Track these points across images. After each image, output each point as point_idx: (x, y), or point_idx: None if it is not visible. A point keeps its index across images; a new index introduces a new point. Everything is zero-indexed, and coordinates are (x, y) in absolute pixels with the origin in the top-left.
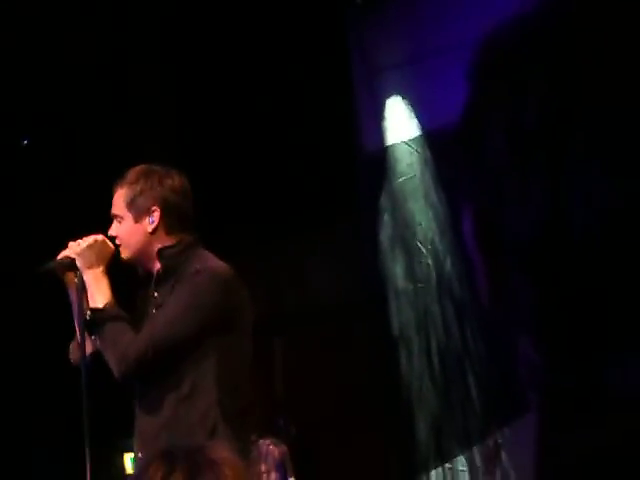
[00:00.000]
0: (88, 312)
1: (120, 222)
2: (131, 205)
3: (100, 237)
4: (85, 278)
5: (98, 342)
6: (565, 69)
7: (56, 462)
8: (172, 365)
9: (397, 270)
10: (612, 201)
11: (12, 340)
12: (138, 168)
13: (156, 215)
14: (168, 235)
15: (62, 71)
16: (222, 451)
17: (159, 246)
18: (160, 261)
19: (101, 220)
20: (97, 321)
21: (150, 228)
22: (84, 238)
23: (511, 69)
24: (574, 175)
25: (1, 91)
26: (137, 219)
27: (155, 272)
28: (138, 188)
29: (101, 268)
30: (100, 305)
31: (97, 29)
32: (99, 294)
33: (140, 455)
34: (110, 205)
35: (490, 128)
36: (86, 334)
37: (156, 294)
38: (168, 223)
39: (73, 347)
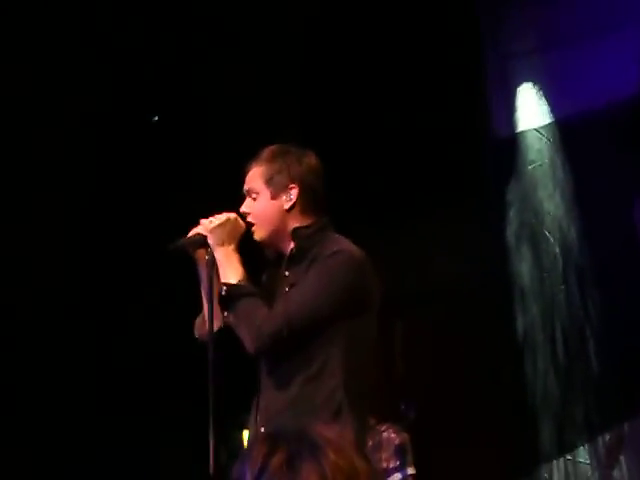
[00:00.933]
0: (224, 287)
1: (255, 198)
2: (269, 182)
3: (232, 215)
4: (216, 255)
5: (231, 317)
6: None
7: (180, 436)
8: (303, 344)
9: (524, 257)
10: None
11: (140, 315)
12: (274, 146)
13: (294, 193)
14: (303, 215)
15: (194, 48)
16: (328, 432)
17: (294, 225)
18: (295, 240)
19: (232, 199)
20: (232, 296)
21: (287, 205)
22: (216, 216)
23: None
24: None
25: (134, 67)
26: (274, 196)
27: (288, 251)
28: (277, 165)
29: (232, 246)
30: (233, 281)
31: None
32: (232, 271)
33: (263, 431)
34: (241, 183)
35: None
36: (213, 310)
37: (287, 273)
38: (304, 202)
39: (199, 323)
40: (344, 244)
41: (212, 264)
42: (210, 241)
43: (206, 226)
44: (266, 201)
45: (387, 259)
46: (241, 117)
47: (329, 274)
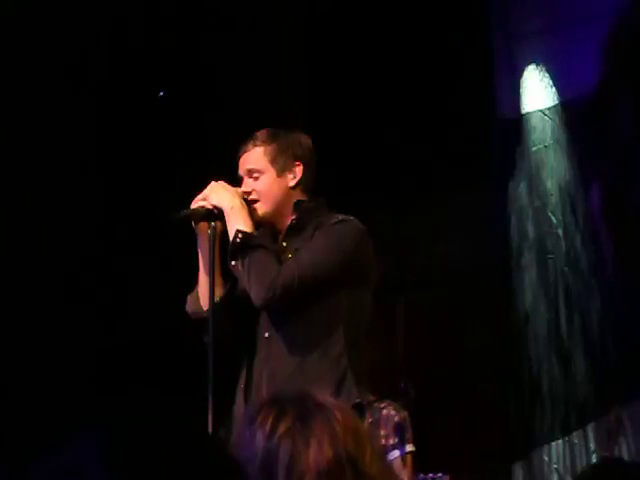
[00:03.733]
0: (238, 235)
1: (258, 178)
2: (274, 160)
3: (218, 182)
4: (226, 209)
5: (240, 265)
6: None
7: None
8: (308, 304)
9: (528, 240)
10: None
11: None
12: (269, 129)
13: (299, 170)
14: (304, 192)
15: (199, 23)
16: (329, 397)
17: (296, 200)
18: (297, 211)
19: (232, 175)
20: (247, 244)
21: (292, 183)
22: (207, 187)
23: None
24: None
25: (140, 42)
26: (280, 174)
27: (287, 224)
28: (279, 146)
29: (238, 201)
30: (248, 230)
31: None
32: (245, 221)
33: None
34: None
35: (620, 104)
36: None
37: (285, 244)
38: (305, 181)
39: (192, 298)
40: (347, 216)
41: (214, 237)
42: (215, 201)
43: (206, 195)
44: (272, 179)
45: (391, 241)
46: (242, 96)
47: (338, 237)
